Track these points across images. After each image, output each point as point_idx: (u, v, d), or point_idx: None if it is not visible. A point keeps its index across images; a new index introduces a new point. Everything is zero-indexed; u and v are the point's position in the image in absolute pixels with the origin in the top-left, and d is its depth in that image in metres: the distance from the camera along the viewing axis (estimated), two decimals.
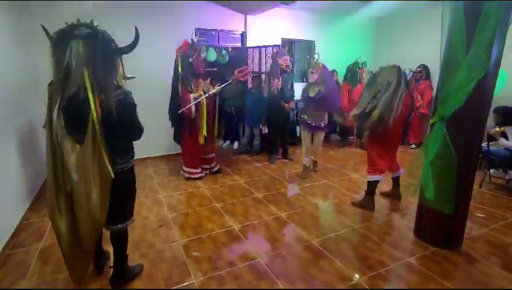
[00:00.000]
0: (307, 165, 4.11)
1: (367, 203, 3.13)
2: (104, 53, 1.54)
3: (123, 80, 1.82)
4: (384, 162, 3.02)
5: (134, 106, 1.73)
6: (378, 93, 2.77)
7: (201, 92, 3.64)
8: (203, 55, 3.75)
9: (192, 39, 3.80)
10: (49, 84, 1.64)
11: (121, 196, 1.79)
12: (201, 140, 3.76)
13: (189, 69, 3.64)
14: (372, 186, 3.08)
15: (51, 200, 1.68)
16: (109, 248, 2.29)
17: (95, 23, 1.57)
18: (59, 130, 1.57)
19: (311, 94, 3.74)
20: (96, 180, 1.60)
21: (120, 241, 1.94)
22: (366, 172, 3.16)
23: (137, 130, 1.82)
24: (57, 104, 1.53)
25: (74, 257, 1.75)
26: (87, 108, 1.51)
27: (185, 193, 3.60)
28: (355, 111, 2.94)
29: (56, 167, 1.63)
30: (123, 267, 2.01)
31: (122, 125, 1.67)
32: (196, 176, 3.98)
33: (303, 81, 6.10)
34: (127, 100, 1.66)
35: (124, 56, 1.79)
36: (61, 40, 1.48)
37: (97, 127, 1.53)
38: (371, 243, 2.55)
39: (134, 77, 1.91)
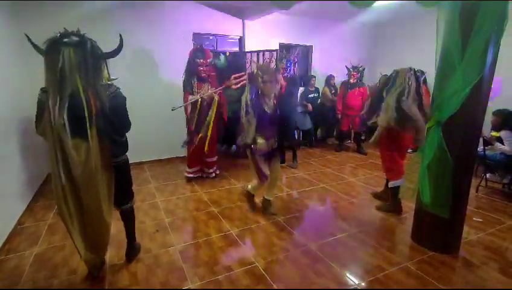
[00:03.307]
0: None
1: (394, 208, 3.14)
2: (92, 58, 1.70)
3: (108, 81, 1.97)
4: (402, 165, 3.04)
5: (125, 98, 1.96)
6: (402, 95, 2.76)
7: (199, 96, 3.67)
8: (209, 60, 3.81)
9: (200, 44, 3.87)
10: (42, 90, 1.74)
11: (123, 182, 2.08)
12: (206, 147, 3.77)
13: (192, 72, 3.77)
14: (396, 191, 3.06)
15: (58, 195, 1.78)
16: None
17: (82, 32, 1.73)
18: (60, 130, 1.65)
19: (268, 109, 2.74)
20: (104, 173, 1.81)
21: (129, 217, 2.29)
22: (386, 178, 3.18)
23: (128, 122, 2.02)
24: (57, 105, 1.64)
25: (90, 244, 1.89)
26: (83, 108, 1.65)
27: (182, 197, 3.58)
28: (386, 117, 2.80)
29: (58, 163, 1.71)
30: (133, 240, 2.37)
31: (118, 118, 1.89)
32: (187, 175, 4.05)
33: (301, 85, 6.13)
34: (120, 95, 1.90)
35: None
36: (52, 48, 1.63)
37: (88, 124, 1.66)
38: (368, 247, 2.55)
39: (116, 78, 2.08)
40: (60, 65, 1.59)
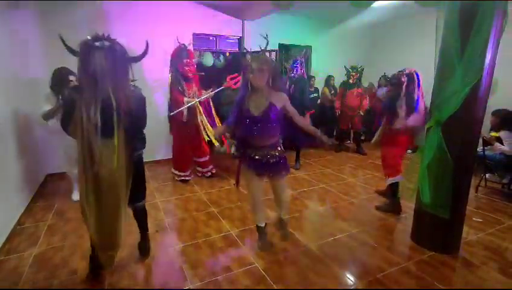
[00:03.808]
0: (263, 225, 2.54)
1: (393, 207, 3.13)
2: (121, 62, 1.80)
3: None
4: (400, 164, 3.07)
5: (145, 98, 2.09)
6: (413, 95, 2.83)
7: (195, 98, 3.64)
8: (195, 60, 3.77)
9: (184, 43, 3.80)
10: (71, 88, 1.84)
11: (139, 178, 2.12)
12: (215, 142, 3.69)
13: (178, 72, 3.68)
14: (395, 188, 3.07)
15: (83, 194, 1.83)
16: None
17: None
18: (91, 131, 1.69)
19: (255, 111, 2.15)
20: (126, 169, 1.88)
21: (143, 214, 2.36)
22: (385, 176, 3.18)
23: (146, 119, 2.12)
24: (91, 106, 1.69)
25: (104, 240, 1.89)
26: (113, 110, 1.73)
27: (181, 197, 3.58)
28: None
29: (86, 162, 1.76)
30: (147, 237, 2.43)
31: (141, 117, 2.03)
32: (183, 178, 4.01)
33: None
34: (141, 95, 2.03)
35: None
36: (85, 50, 1.71)
37: (116, 126, 1.73)
38: (368, 247, 2.55)
39: (136, 80, 2.13)
40: (92, 68, 1.67)
